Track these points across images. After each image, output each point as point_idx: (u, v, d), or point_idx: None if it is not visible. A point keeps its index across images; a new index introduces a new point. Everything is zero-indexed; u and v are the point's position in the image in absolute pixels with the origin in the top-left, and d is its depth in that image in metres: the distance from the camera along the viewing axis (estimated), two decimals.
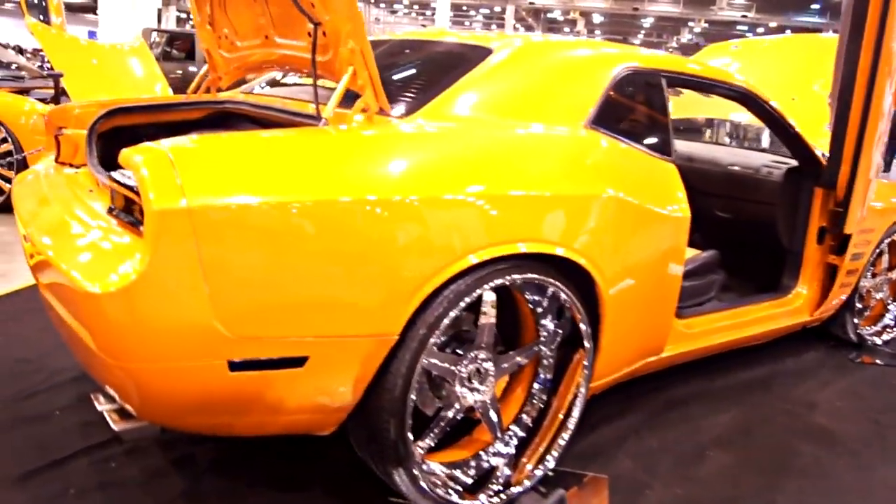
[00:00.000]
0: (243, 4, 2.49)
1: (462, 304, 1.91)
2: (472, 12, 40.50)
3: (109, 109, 2.67)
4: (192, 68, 9.27)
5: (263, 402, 1.76)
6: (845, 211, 3.12)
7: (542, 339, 2.24)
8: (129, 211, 1.73)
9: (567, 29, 41.22)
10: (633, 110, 2.63)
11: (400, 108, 2.12)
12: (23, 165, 5.26)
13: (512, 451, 2.26)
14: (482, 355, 2.10)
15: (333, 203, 1.68)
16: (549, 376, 2.31)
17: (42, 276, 2.00)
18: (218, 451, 2.36)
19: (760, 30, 34.63)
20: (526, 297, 2.18)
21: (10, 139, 5.26)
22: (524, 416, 2.33)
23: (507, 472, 2.22)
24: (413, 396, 1.90)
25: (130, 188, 1.67)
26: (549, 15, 38.97)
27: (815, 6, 30.88)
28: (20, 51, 10.15)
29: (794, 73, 4.40)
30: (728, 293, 3.41)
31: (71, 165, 2.60)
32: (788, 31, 34.68)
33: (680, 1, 33.23)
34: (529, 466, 2.27)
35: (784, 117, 3.12)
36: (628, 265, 2.32)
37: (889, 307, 4.07)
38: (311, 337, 1.72)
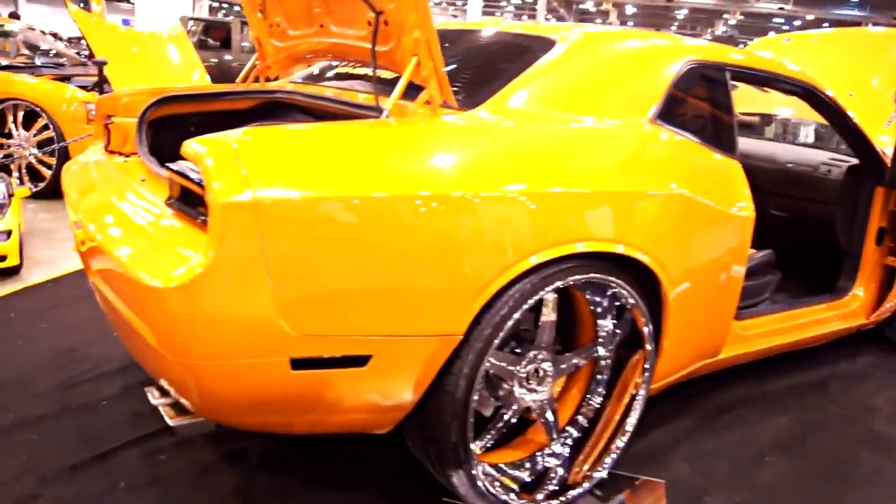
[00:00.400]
0: None
1: (528, 304, 1.85)
2: (504, 2, 40.24)
3: (159, 98, 2.64)
4: (227, 57, 9.27)
5: (323, 400, 1.72)
6: None
7: (601, 339, 2.18)
8: (189, 203, 1.69)
9: (599, 20, 40.76)
10: (697, 105, 2.54)
11: (463, 101, 2.06)
12: (64, 154, 5.29)
13: (567, 452, 2.20)
14: (541, 355, 2.04)
15: (402, 198, 1.63)
16: (606, 377, 2.25)
17: (95, 266, 1.98)
18: (269, 447, 2.33)
19: (797, 22, 33.92)
20: (587, 296, 2.11)
21: (51, 126, 5.28)
22: (580, 418, 2.27)
23: (563, 473, 2.16)
24: (475, 398, 1.84)
25: (193, 180, 1.62)
26: (580, 6, 38.58)
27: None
28: (57, 38, 10.22)
29: (850, 67, 4.25)
30: (781, 294, 3.31)
31: (121, 154, 2.58)
32: (826, 25, 33.97)
33: None
34: (586, 468, 2.21)
35: (847, 113, 3.01)
36: (693, 265, 2.24)
37: None
38: (376, 336, 1.67)
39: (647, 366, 2.22)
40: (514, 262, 1.78)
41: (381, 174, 1.64)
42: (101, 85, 5.70)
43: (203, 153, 1.51)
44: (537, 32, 2.36)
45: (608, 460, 2.23)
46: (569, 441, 2.23)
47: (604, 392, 2.27)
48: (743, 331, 2.75)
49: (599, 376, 2.24)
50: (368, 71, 2.61)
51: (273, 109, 2.94)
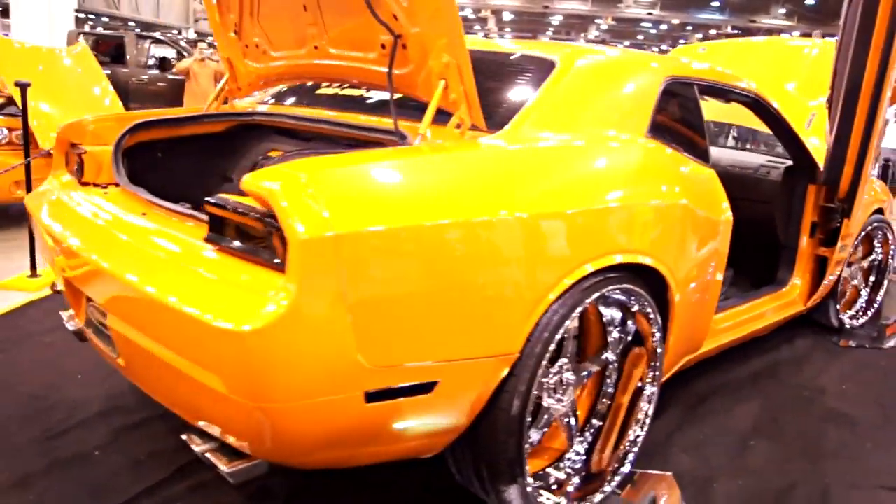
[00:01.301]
0: (286, 13, 2.38)
1: (572, 317, 1.92)
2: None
3: (134, 124, 2.50)
4: (124, 70, 8.77)
5: (391, 430, 1.70)
6: (850, 206, 3.31)
7: (610, 345, 2.28)
8: (243, 240, 1.62)
9: (478, 27, 41.66)
10: (677, 119, 2.69)
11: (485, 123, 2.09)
12: None
13: (583, 455, 2.28)
14: (567, 365, 2.11)
15: (471, 223, 1.67)
16: (613, 378, 2.35)
17: (107, 305, 1.85)
18: (293, 482, 2.26)
19: (664, 26, 36.16)
20: (599, 307, 2.20)
21: None
22: (594, 420, 2.36)
23: (583, 472, 2.24)
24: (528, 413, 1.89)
25: (253, 217, 1.56)
26: (460, 13, 39.21)
27: (716, 3, 32.55)
28: None
29: (765, 74, 4.61)
30: (732, 289, 3.56)
31: (95, 184, 2.42)
32: (689, 28, 36.37)
33: None
34: (607, 468, 2.29)
35: (786, 120, 3.28)
36: (691, 269, 2.39)
37: (861, 292, 4.35)
38: (444, 361, 1.68)
39: (657, 363, 2.34)
40: (563, 277, 1.86)
41: (449, 200, 1.67)
42: (2, 108, 5.27)
43: (275, 189, 1.46)
44: (536, 52, 2.42)
45: (630, 455, 2.32)
46: (585, 444, 2.31)
47: (612, 391, 2.37)
48: (716, 325, 2.94)
49: (608, 378, 2.34)
50: (362, 93, 2.60)
51: (244, 132, 2.85)
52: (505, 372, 1.82)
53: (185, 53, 9.32)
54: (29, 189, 4.12)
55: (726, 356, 3.41)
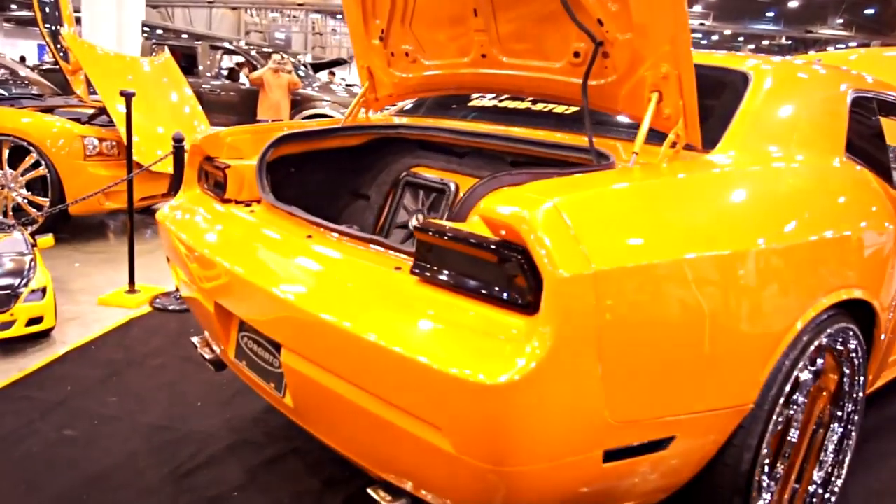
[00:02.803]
0: (449, 19, 2.19)
1: (803, 363, 1.68)
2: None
3: (278, 138, 2.34)
4: (196, 80, 8.75)
5: (616, 491, 1.48)
6: None
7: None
8: (463, 273, 1.41)
9: None
10: (864, 137, 2.44)
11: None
12: (59, 193, 4.76)
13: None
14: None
15: (720, 257, 1.46)
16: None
17: (295, 344, 1.65)
18: None
19: (715, 37, 35.53)
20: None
21: (44, 163, 4.75)
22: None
23: None
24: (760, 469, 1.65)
25: (491, 248, 1.33)
26: None
27: (770, 14, 31.83)
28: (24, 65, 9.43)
29: None
30: None
31: (236, 202, 2.26)
32: (741, 39, 35.64)
33: None
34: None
35: None
36: (892, 298, 2.13)
37: None
38: (684, 414, 1.46)
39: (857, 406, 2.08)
40: (799, 316, 1.62)
41: (702, 231, 1.47)
42: (94, 117, 5.21)
43: (528, 217, 1.25)
44: (726, 65, 2.18)
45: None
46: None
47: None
48: None
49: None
50: (528, 104, 2.40)
51: (383, 146, 2.68)
52: (736, 425, 1.59)
53: (257, 64, 9.29)
54: (130, 204, 4.02)
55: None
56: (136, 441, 2.46)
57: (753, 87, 2.01)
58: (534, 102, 2.36)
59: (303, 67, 10.27)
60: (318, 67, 11.73)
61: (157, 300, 3.89)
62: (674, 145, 1.73)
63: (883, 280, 2.02)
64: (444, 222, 1.45)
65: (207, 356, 2.32)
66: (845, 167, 2.05)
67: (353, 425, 1.56)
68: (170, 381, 2.95)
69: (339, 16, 39.56)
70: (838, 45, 32.44)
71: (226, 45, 10.09)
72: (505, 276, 1.32)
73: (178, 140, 3.79)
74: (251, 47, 10.42)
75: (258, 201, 2.25)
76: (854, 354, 1.99)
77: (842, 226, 1.83)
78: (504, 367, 1.21)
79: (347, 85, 14.65)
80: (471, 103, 2.58)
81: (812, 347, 1.71)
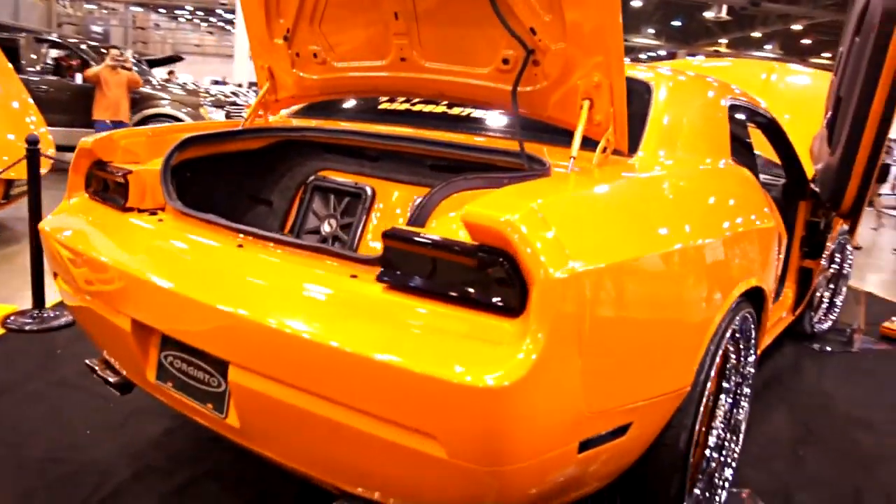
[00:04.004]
0: (365, 21, 2.17)
1: (723, 344, 1.86)
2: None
3: (182, 141, 2.19)
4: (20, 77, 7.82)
5: (583, 478, 1.56)
6: (854, 222, 3.49)
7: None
8: (436, 279, 1.41)
9: None
10: (737, 141, 2.72)
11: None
12: None
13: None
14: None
15: (671, 253, 1.60)
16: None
17: (250, 360, 1.55)
18: None
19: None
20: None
21: None
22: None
23: None
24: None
25: (471, 253, 1.34)
26: None
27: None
28: None
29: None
30: None
31: (138, 210, 2.09)
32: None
33: None
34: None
35: (790, 142, 3.42)
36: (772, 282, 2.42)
37: (823, 299, 4.63)
38: (642, 401, 1.57)
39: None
40: (722, 304, 1.80)
41: (651, 231, 1.60)
42: None
43: (515, 222, 1.28)
44: (631, 75, 2.33)
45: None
46: None
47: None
48: None
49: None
50: (444, 108, 2.42)
51: (284, 150, 2.58)
52: (676, 408, 1.73)
53: (88, 59, 8.50)
54: None
55: None
56: (28, 479, 2.20)
57: (656, 96, 2.18)
58: (449, 106, 2.39)
59: (137, 65, 9.59)
60: (153, 64, 10.98)
61: (10, 320, 3.48)
62: (605, 150, 1.84)
63: (768, 268, 2.27)
64: (415, 229, 1.45)
65: (111, 379, 2.12)
66: (738, 169, 2.28)
67: (320, 441, 1.51)
68: (49, 408, 2.67)
69: (161, 10, 37.24)
70: (650, 54, 35.44)
71: (53, 37, 9.14)
72: (487, 280, 1.34)
73: (32, 142, 3.41)
74: (80, 40, 9.54)
75: (162, 209, 2.10)
76: (749, 334, 2.22)
77: (746, 222, 2.05)
78: (502, 370, 1.24)
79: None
80: (380, 106, 2.56)
81: (729, 332, 1.89)
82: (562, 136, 2.00)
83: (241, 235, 1.81)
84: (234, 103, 9.89)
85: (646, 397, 1.58)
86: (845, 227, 4.38)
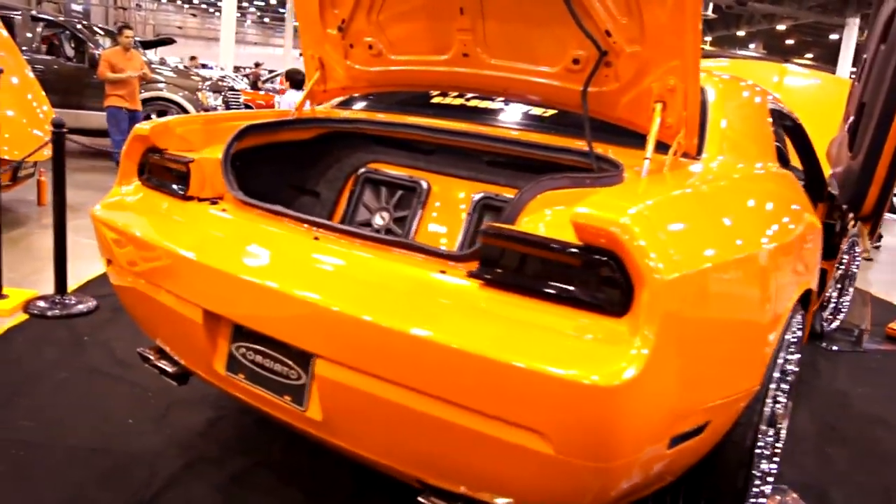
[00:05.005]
0: (428, 15, 2.16)
1: (788, 343, 1.91)
2: (246, 3, 38.36)
3: (242, 130, 2.18)
4: None
5: (663, 475, 1.59)
6: (875, 223, 3.56)
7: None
8: (531, 276, 1.42)
9: None
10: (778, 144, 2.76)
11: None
12: None
13: None
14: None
15: (755, 256, 1.63)
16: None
17: (340, 354, 1.55)
18: None
19: None
20: None
21: None
22: None
23: None
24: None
25: (578, 254, 1.36)
26: None
27: None
28: None
29: None
30: None
31: (198, 199, 2.08)
32: None
33: None
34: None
35: (812, 146, 3.49)
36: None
37: (832, 298, 4.72)
38: (720, 400, 1.60)
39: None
40: (788, 303, 1.84)
41: (736, 233, 1.63)
42: None
43: (628, 224, 1.30)
44: None
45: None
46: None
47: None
48: None
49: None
50: (501, 105, 2.42)
51: (332, 142, 2.58)
52: (744, 406, 1.77)
53: (84, 38, 8.32)
54: None
55: None
56: (77, 470, 2.19)
57: (715, 99, 2.21)
58: (506, 103, 2.40)
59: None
60: (145, 46, 10.81)
61: (33, 305, 3.43)
62: (676, 153, 1.86)
63: (816, 268, 2.33)
64: (516, 227, 1.47)
65: (169, 369, 2.11)
66: (786, 172, 2.33)
67: (411, 436, 1.52)
68: (85, 397, 2.65)
69: None
70: None
71: (45, 15, 8.94)
72: (591, 279, 1.36)
73: (58, 125, 3.36)
74: (75, 19, 9.35)
75: (220, 198, 2.09)
76: (797, 335, 2.27)
77: (804, 224, 2.09)
78: (615, 368, 1.26)
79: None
80: (432, 100, 2.56)
81: (790, 331, 1.94)
82: (615, 136, 2.01)
83: (312, 227, 1.81)
84: (232, 88, 9.77)
85: (723, 396, 1.61)
86: (853, 229, 4.48)
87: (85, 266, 4.09)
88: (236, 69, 21.61)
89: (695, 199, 1.65)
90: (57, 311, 3.41)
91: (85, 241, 4.65)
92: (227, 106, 9.06)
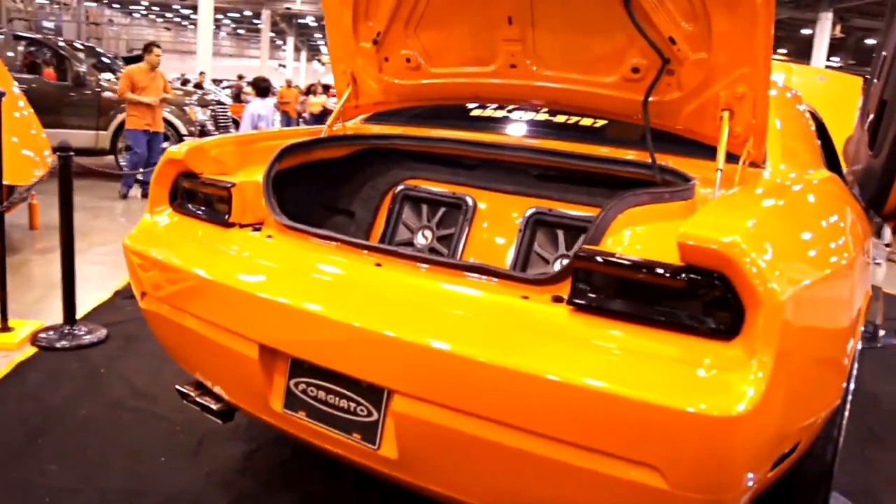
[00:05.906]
0: (472, 25, 2.09)
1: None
2: (220, 16, 38.07)
3: (282, 150, 2.09)
4: None
5: (759, 491, 1.53)
6: None
7: None
8: (633, 302, 1.35)
9: (318, 35, 40.82)
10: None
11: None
12: None
13: None
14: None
15: (842, 268, 1.57)
16: None
17: (418, 389, 1.46)
18: None
19: None
20: None
21: None
22: None
23: None
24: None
25: (684, 277, 1.29)
26: (301, 20, 38.23)
27: None
28: None
29: None
30: None
31: (240, 225, 1.98)
32: None
33: None
34: None
35: (834, 146, 3.47)
36: None
37: None
38: (811, 419, 1.54)
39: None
40: (861, 312, 1.81)
41: (827, 247, 1.60)
42: None
43: (739, 243, 1.23)
44: None
45: None
46: None
47: None
48: None
49: None
50: (547, 116, 2.35)
51: (364, 159, 2.49)
52: (825, 421, 1.71)
53: (67, 56, 8.13)
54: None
55: None
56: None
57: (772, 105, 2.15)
58: (552, 114, 2.32)
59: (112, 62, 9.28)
60: (127, 61, 10.61)
61: (41, 337, 3.29)
62: (745, 162, 1.80)
63: (871, 271, 2.29)
64: (611, 250, 1.39)
65: (212, 406, 2.00)
66: (835, 176, 2.28)
67: (501, 472, 1.44)
68: (110, 433, 2.53)
69: (116, 5, 36.17)
70: None
71: (30, 35, 8.74)
72: (695, 301, 1.29)
73: (64, 149, 3.23)
74: (58, 39, 9.16)
75: (261, 223, 2.00)
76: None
77: (865, 228, 2.04)
78: (735, 397, 1.19)
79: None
80: (472, 112, 2.48)
81: (860, 345, 1.89)
82: (660, 144, 1.94)
83: (370, 252, 1.73)
84: (220, 102, 9.61)
85: (813, 414, 1.56)
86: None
87: (89, 293, 3.95)
88: (215, 82, 21.36)
89: (787, 212, 1.59)
90: (66, 342, 3.28)
91: (87, 266, 4.50)
92: (216, 121, 8.89)
